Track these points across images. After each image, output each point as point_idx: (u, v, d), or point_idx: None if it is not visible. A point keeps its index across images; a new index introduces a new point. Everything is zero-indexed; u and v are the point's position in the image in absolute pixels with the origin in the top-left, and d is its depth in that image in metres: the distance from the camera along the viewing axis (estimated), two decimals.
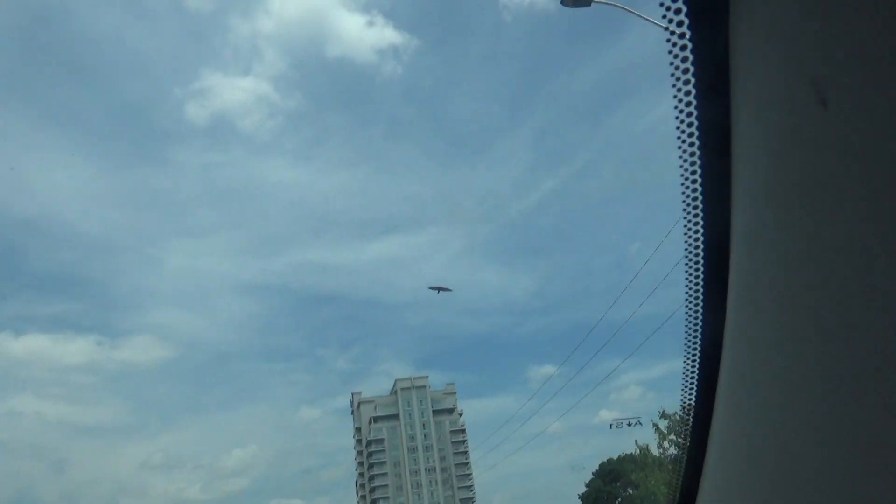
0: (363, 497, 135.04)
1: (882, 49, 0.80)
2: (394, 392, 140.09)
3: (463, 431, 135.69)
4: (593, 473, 67.65)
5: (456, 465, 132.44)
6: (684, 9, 1.21)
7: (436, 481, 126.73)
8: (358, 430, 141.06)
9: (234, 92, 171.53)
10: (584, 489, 67.21)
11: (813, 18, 0.92)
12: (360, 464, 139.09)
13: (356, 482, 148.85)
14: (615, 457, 62.34)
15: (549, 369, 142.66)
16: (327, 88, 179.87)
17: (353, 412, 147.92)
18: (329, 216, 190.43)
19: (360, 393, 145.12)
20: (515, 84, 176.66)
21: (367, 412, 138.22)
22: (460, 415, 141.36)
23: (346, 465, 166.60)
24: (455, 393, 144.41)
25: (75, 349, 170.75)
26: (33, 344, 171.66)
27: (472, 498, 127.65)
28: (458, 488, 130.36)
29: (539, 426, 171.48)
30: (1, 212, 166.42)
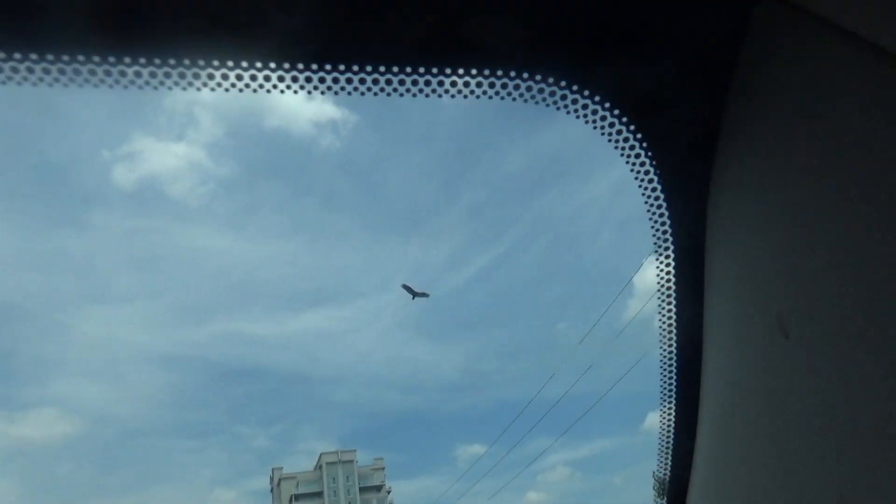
0: None
1: (836, 286, 0.91)
2: (318, 467, 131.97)
3: None
4: None
5: None
6: (672, 256, 1.39)
7: None
8: None
9: (166, 157, 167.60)
10: None
11: (777, 260, 1.03)
12: None
13: None
14: None
15: (477, 448, 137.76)
16: (263, 158, 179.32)
17: (272, 490, 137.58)
18: (257, 286, 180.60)
19: (280, 468, 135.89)
20: (451, 163, 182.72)
21: (289, 489, 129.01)
22: (388, 492, 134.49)
23: None
24: (383, 468, 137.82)
25: None
26: None
27: None
28: None
29: None
30: None
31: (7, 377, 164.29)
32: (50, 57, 1.03)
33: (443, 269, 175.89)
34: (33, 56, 1.03)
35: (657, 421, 1.60)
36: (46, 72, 1.04)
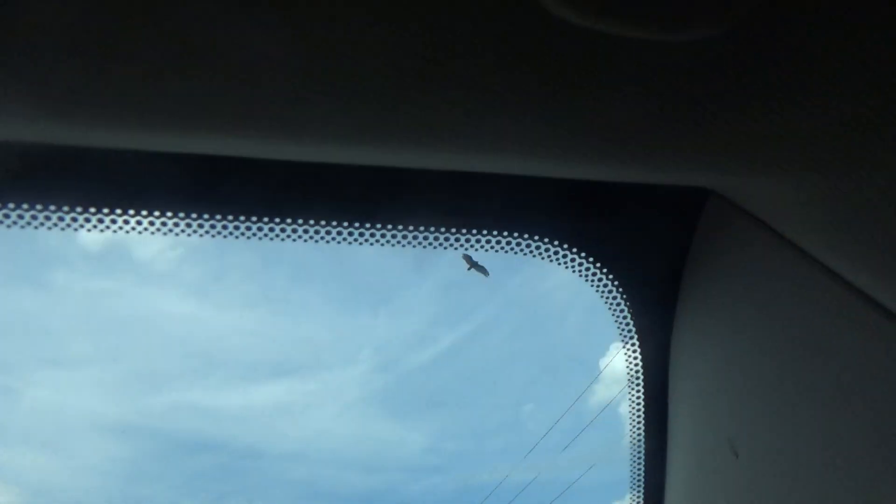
0: None
1: (778, 420, 1.08)
2: None
3: None
4: None
5: None
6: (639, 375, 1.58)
7: None
8: None
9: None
10: None
11: (730, 394, 1.25)
12: None
13: None
14: None
15: None
16: None
17: None
18: (217, 355, 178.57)
19: None
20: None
21: None
22: None
23: None
24: None
25: None
26: None
27: None
28: None
29: None
30: None
31: None
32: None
33: (410, 346, 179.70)
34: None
35: None
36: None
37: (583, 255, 1.40)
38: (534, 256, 1.43)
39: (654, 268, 1.45)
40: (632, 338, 1.51)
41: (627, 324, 1.50)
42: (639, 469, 1.58)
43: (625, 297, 1.46)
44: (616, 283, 1.45)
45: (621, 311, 1.49)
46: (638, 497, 1.61)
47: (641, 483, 1.58)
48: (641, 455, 1.57)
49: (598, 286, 1.46)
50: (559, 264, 1.43)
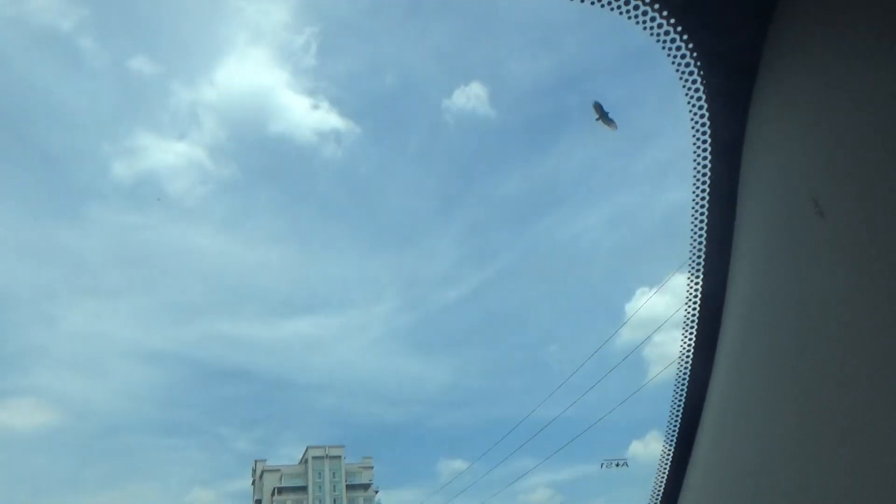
0: None
1: (874, 170, 1.00)
2: (303, 461, 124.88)
3: None
4: None
5: None
6: (708, 140, 1.44)
7: None
8: (258, 502, 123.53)
9: (166, 155, 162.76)
10: None
11: (816, 147, 1.16)
12: None
13: None
14: None
15: (460, 464, 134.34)
16: (263, 163, 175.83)
17: (253, 482, 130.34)
18: (247, 290, 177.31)
19: (263, 461, 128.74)
20: (449, 182, 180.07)
21: (271, 482, 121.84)
22: (376, 492, 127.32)
23: None
24: (372, 468, 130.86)
25: None
26: None
27: None
28: None
29: None
30: None
31: None
32: None
33: (435, 286, 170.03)
34: None
35: (641, 449, 1.58)
36: None
37: (664, 13, 1.30)
38: (612, 10, 1.35)
39: (734, 38, 1.32)
40: (703, 125, 1.38)
41: (700, 107, 1.37)
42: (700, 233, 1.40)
43: (701, 71, 1.36)
44: (694, 53, 1.34)
45: (695, 90, 1.37)
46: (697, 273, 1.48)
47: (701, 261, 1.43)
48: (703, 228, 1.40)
49: (674, 56, 1.36)
50: (637, 23, 1.33)
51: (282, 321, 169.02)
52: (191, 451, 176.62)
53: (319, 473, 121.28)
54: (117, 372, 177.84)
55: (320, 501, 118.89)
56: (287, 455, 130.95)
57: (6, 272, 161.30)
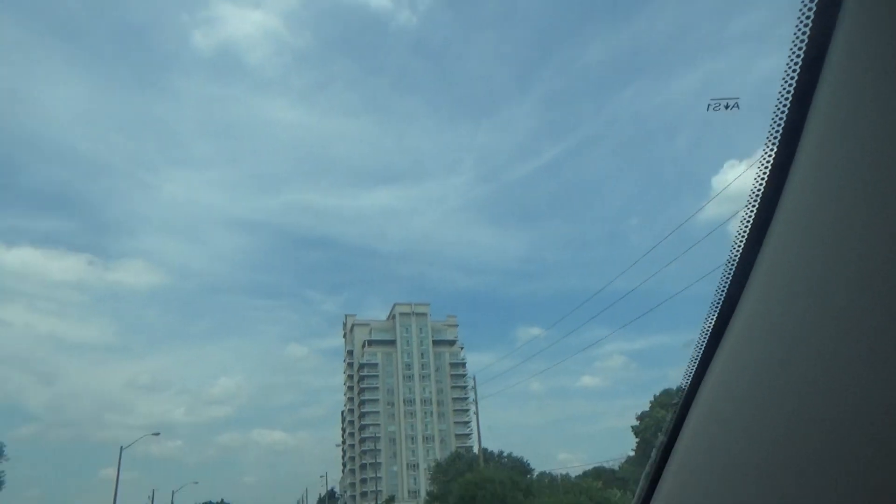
0: (351, 423, 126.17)
1: None
2: (391, 317, 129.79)
3: (463, 365, 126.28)
4: (650, 403, 59.37)
5: (454, 399, 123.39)
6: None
7: (431, 413, 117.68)
8: (350, 353, 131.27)
9: (243, 24, 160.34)
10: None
11: None
12: (350, 388, 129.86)
13: (343, 412, 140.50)
14: (674, 388, 54.07)
15: (536, 331, 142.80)
16: (339, 31, 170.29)
17: (344, 335, 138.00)
18: (327, 161, 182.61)
19: (353, 316, 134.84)
20: (527, 50, 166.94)
21: (362, 335, 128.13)
22: (462, 348, 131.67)
23: (330, 405, 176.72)
24: (456, 325, 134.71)
25: (67, 266, 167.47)
26: (25, 257, 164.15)
27: (468, 434, 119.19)
28: (455, 423, 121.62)
29: (526, 383, 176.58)
30: None
31: (99, 229, 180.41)
32: None
33: (511, 158, 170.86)
34: None
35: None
36: None
37: None
38: None
39: None
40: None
41: None
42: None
43: None
44: None
45: None
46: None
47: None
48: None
49: None
50: None
51: (361, 192, 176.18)
52: (283, 312, 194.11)
53: (407, 328, 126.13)
54: (212, 238, 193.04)
55: (408, 355, 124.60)
56: (372, 318, 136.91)
57: (104, 142, 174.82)
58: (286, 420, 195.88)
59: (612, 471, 57.99)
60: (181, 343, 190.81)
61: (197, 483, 55.09)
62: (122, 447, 42.82)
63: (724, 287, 1.23)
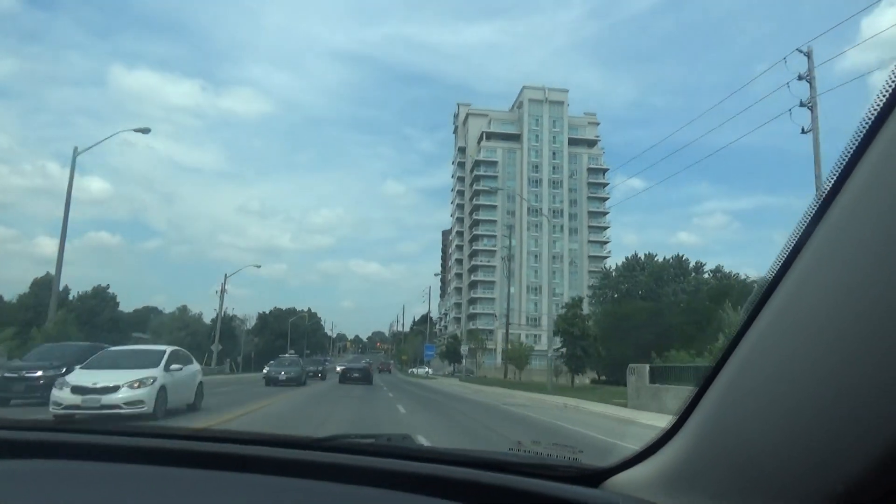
0: (459, 234, 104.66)
1: None
2: (517, 106, 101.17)
3: (604, 172, 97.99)
4: None
5: (590, 212, 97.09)
6: None
7: (561, 227, 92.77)
8: (462, 150, 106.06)
9: None
10: None
11: None
12: (460, 194, 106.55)
13: (447, 233, 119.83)
14: None
15: (636, 182, 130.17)
16: None
17: (456, 128, 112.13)
18: None
19: (468, 105, 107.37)
20: None
21: (478, 127, 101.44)
22: (602, 151, 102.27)
23: (425, 242, 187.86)
24: (598, 123, 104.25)
25: (182, 91, 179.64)
26: (144, 80, 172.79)
27: (605, 256, 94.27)
28: (589, 242, 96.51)
29: (620, 234, 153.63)
30: None
31: (209, 55, 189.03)
32: None
33: None
34: None
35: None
36: None
37: None
38: None
39: None
40: None
41: None
42: None
43: None
44: None
45: None
46: None
47: None
48: None
49: None
50: None
51: (462, 25, 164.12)
52: (381, 148, 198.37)
53: (536, 120, 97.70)
54: (314, 69, 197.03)
55: (537, 152, 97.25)
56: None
57: None
58: (382, 253, 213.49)
59: None
60: (287, 173, 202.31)
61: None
62: (225, 274, 48.92)
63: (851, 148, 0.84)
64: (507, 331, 49.87)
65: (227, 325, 60.51)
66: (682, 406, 1.05)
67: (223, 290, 48.56)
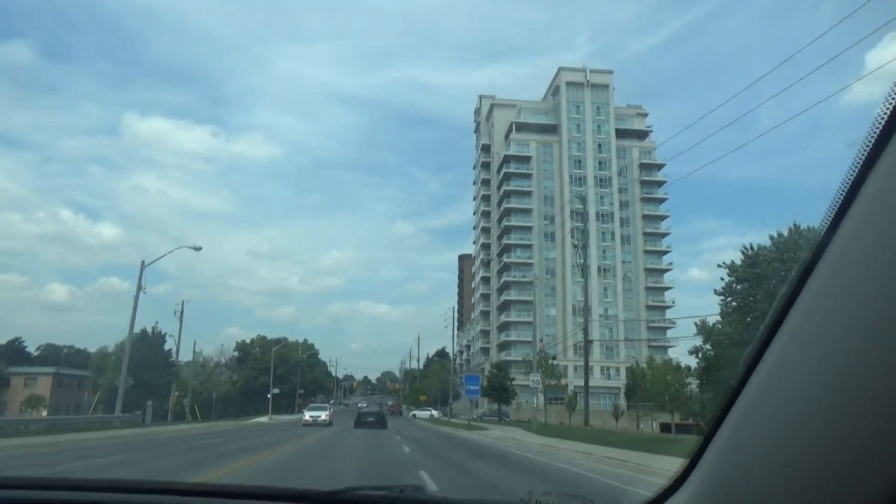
0: (485, 247, 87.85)
1: None
2: (551, 93, 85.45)
3: (658, 168, 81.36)
4: None
5: (644, 216, 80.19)
6: None
7: (610, 234, 75.93)
8: (486, 149, 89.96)
9: None
10: None
11: None
12: (485, 199, 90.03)
13: (475, 236, 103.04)
14: None
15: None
16: None
17: (477, 125, 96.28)
18: (435, 34, 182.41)
19: (492, 97, 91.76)
20: None
21: (505, 119, 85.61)
22: (654, 145, 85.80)
23: (432, 282, 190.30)
24: (646, 114, 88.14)
25: (194, 137, 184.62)
26: (157, 127, 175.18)
27: (665, 269, 77.16)
28: (645, 252, 79.37)
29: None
30: None
31: (219, 102, 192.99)
32: None
33: (628, 32, 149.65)
34: None
35: None
36: None
37: None
38: None
39: None
40: None
41: None
42: None
43: None
44: None
45: None
46: None
47: None
48: None
49: None
50: None
51: (468, 68, 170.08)
52: (390, 190, 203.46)
53: (577, 108, 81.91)
54: (322, 113, 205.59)
55: (579, 145, 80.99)
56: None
57: (221, 15, 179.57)
58: (391, 294, 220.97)
59: None
60: (296, 216, 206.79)
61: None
62: (143, 261, 35.15)
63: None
64: (585, 353, 33.40)
65: (195, 362, 52.92)
66: (693, 449, 1.01)
67: (181, 314, 43.10)
